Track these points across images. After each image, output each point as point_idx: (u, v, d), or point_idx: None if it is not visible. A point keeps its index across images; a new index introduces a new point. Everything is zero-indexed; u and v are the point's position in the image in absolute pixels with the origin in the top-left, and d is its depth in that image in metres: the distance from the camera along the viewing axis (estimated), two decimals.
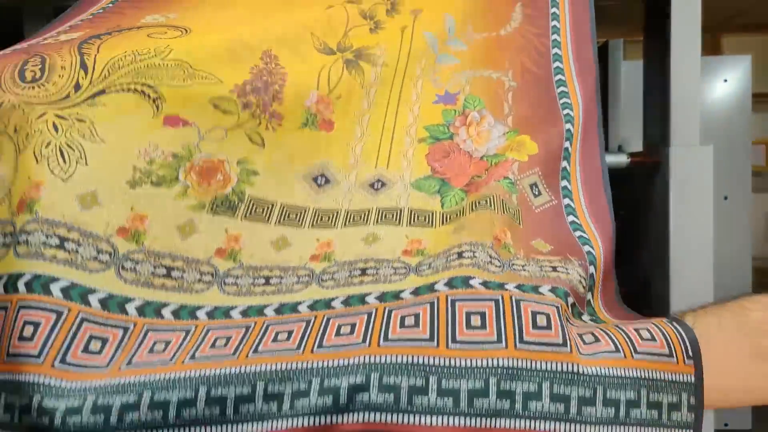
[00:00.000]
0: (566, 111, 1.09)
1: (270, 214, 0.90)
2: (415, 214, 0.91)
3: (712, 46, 3.87)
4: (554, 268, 0.85)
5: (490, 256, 0.79)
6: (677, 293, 1.63)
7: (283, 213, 0.91)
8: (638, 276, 1.87)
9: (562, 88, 1.14)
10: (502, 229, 0.88)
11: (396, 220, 0.90)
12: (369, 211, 0.91)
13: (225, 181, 0.88)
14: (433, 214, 0.92)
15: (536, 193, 1.01)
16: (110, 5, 1.17)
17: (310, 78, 0.98)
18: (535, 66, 1.12)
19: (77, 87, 0.80)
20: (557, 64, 1.14)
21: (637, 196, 1.89)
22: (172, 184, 0.83)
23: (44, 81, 0.80)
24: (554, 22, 1.20)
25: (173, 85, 0.85)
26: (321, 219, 0.90)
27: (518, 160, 0.99)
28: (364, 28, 1.09)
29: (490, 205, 0.89)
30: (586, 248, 0.99)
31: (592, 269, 0.97)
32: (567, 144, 1.07)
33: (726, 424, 2.33)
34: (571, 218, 1.03)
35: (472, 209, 0.89)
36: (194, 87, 0.87)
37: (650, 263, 1.78)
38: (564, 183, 1.06)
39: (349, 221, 0.90)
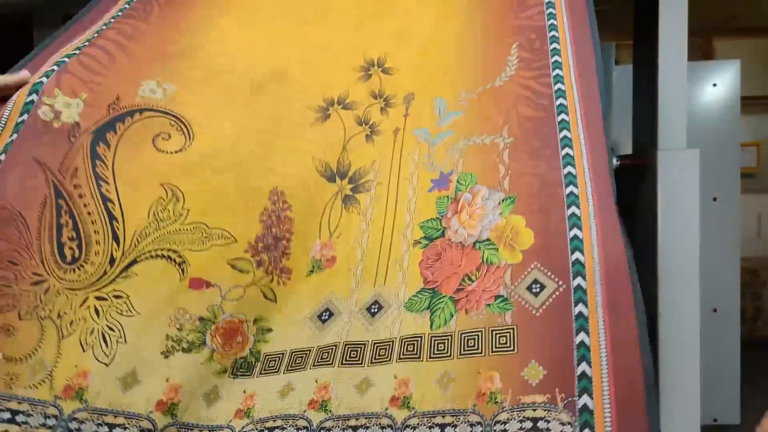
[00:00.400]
0: (568, 168, 0.98)
1: (280, 365, 0.95)
2: (405, 344, 0.89)
3: (704, 49, 3.93)
4: (534, 423, 0.75)
5: (471, 425, 0.78)
6: (665, 291, 1.69)
7: (292, 359, 0.94)
8: None
9: (563, 132, 1.02)
10: (488, 376, 0.81)
11: (388, 356, 0.89)
12: (365, 346, 0.91)
13: (243, 343, 0.97)
14: (421, 339, 0.88)
15: (537, 290, 0.85)
16: (105, 40, 1.20)
17: (313, 228, 1.05)
18: (535, 110, 1.04)
19: (112, 261, 0.92)
20: (561, 100, 1.05)
21: (627, 197, 1.95)
22: (200, 348, 0.92)
23: (83, 261, 0.92)
24: (555, 57, 1.14)
25: (195, 249, 0.95)
26: (321, 357, 0.92)
27: (512, 264, 0.87)
28: (360, 137, 1.14)
29: (478, 348, 0.83)
30: (582, 368, 0.77)
31: (586, 399, 0.75)
32: (573, 209, 0.90)
33: (715, 419, 2.39)
34: (579, 308, 0.81)
35: (463, 351, 0.84)
36: (213, 249, 0.96)
37: (639, 262, 1.84)
38: (576, 256, 0.85)
39: (346, 359, 0.91)
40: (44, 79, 1.05)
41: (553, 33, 1.18)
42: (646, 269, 1.78)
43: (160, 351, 0.90)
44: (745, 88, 4.06)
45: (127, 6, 1.27)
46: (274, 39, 1.28)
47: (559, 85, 1.07)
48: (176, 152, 1.06)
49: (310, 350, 0.94)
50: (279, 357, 0.95)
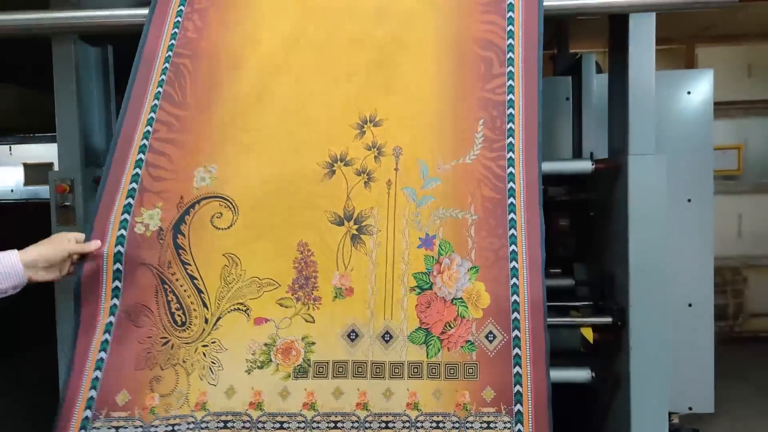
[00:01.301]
0: (512, 247, 1.43)
1: (327, 371, 1.41)
2: (411, 367, 1.40)
3: (687, 56, 4.08)
4: (488, 424, 1.33)
5: (453, 423, 1.34)
6: (636, 285, 1.83)
7: (335, 368, 1.41)
8: (604, 269, 2.07)
9: (511, 215, 1.46)
10: (462, 393, 1.36)
11: (401, 374, 1.39)
12: (384, 365, 1.40)
13: (297, 355, 1.42)
14: (422, 364, 1.40)
15: (491, 338, 1.39)
16: (151, 141, 1.55)
17: (332, 262, 1.47)
18: (492, 190, 1.47)
19: (206, 321, 1.43)
20: (511, 184, 1.46)
21: (604, 198, 2.09)
22: (268, 365, 1.41)
23: (189, 324, 1.43)
24: (510, 139, 1.50)
25: (253, 298, 1.45)
26: (357, 370, 1.40)
27: (475, 319, 1.40)
28: (360, 185, 1.52)
29: (456, 375, 1.38)
30: (516, 388, 1.35)
31: (518, 407, 1.33)
32: (514, 280, 1.41)
33: (690, 408, 2.52)
34: (516, 351, 1.37)
35: (447, 376, 1.38)
36: (264, 295, 1.45)
37: (614, 258, 1.98)
38: (515, 315, 1.39)
39: (374, 374, 1.40)
40: (131, 200, 1.48)
41: (510, 110, 1.51)
42: (619, 263, 1.92)
43: (244, 370, 1.40)
44: (726, 93, 4.21)
45: (160, 90, 1.57)
46: (281, 100, 1.57)
47: (511, 169, 1.47)
48: (228, 228, 1.50)
49: (347, 362, 1.41)
50: (325, 365, 1.41)
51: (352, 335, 1.42)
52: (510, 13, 1.57)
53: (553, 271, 2.45)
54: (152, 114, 1.55)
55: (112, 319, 1.41)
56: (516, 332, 1.37)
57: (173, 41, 1.63)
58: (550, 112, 2.64)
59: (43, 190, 4.97)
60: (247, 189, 1.52)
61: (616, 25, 1.89)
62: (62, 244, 1.34)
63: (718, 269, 4.09)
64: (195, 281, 1.45)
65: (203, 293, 1.45)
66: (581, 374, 1.99)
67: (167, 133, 1.55)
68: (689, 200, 2.51)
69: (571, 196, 2.30)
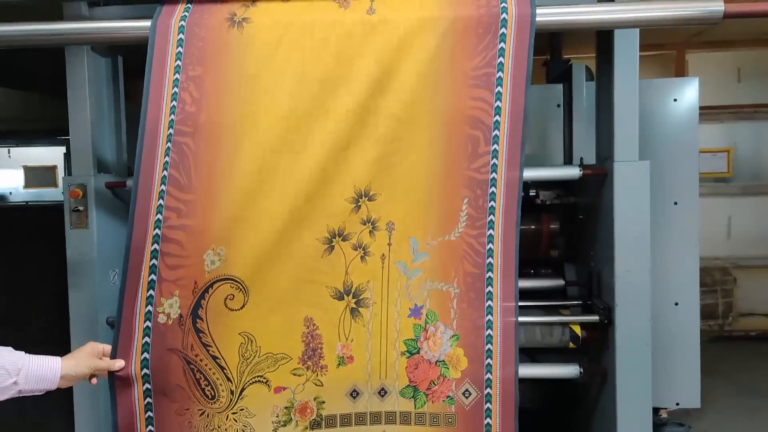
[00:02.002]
0: (488, 317, 1.63)
1: (336, 422, 1.67)
2: (402, 415, 1.66)
3: (677, 62, 4.17)
4: None
5: None
6: (621, 285, 1.93)
7: (342, 419, 1.67)
8: (592, 270, 2.16)
9: (489, 288, 1.63)
10: None
11: (394, 420, 1.66)
12: (381, 414, 1.67)
13: (311, 412, 1.67)
14: (410, 414, 1.66)
15: (467, 395, 1.63)
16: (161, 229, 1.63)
17: (334, 335, 1.67)
18: (473, 266, 1.63)
19: (231, 392, 1.63)
20: (489, 260, 1.63)
21: (592, 202, 2.18)
22: (290, 422, 1.66)
23: (218, 396, 1.62)
24: (491, 217, 1.62)
25: (270, 371, 1.65)
26: (359, 419, 1.67)
27: (454, 379, 1.63)
28: (357, 259, 1.66)
29: (438, 423, 1.64)
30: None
31: None
32: (489, 346, 1.63)
33: (678, 403, 2.61)
34: (487, 405, 1.62)
35: (431, 423, 1.64)
36: (280, 367, 1.65)
37: (601, 259, 2.08)
38: (488, 375, 1.62)
39: (372, 420, 1.66)
40: (152, 291, 1.61)
41: (492, 189, 1.62)
42: (606, 264, 2.02)
43: (272, 430, 1.64)
44: (716, 98, 4.32)
45: (165, 173, 1.63)
46: (281, 177, 1.64)
47: (490, 245, 1.63)
48: (241, 308, 1.65)
49: (351, 414, 1.67)
50: (334, 417, 1.67)
51: (354, 393, 1.68)
52: (498, 88, 1.62)
53: (544, 271, 2.55)
54: (161, 201, 1.62)
55: (149, 400, 1.61)
56: (488, 390, 1.62)
57: (173, 116, 1.66)
58: (542, 119, 2.74)
59: (45, 193, 5.02)
60: (255, 268, 1.65)
61: (602, 39, 1.99)
62: (90, 359, 1.43)
63: (708, 270, 4.19)
64: (217, 360, 1.64)
65: (225, 369, 1.64)
66: (570, 370, 2.08)
67: (177, 219, 1.63)
68: (676, 203, 2.60)
69: (561, 199, 2.39)
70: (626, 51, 1.90)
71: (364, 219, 1.66)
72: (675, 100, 2.60)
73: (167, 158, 1.63)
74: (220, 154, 1.65)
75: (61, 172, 4.94)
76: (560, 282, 2.39)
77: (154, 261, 1.61)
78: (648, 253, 1.93)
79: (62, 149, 4.92)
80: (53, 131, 5.10)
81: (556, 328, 2.09)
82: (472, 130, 1.63)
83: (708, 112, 4.17)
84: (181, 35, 1.68)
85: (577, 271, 2.39)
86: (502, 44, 1.61)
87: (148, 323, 1.60)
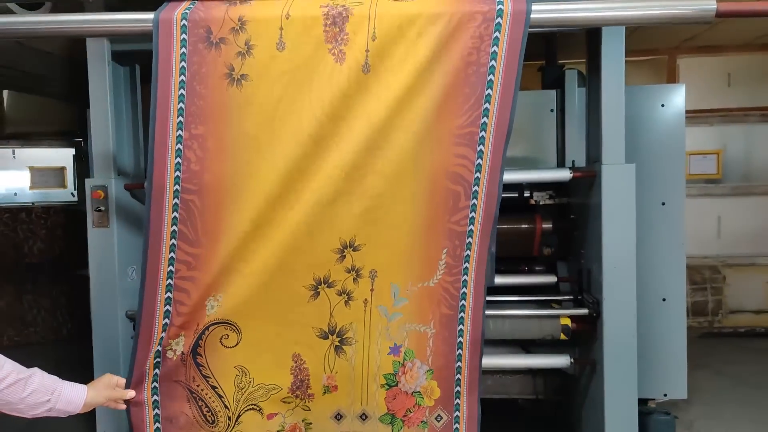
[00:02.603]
0: (459, 351, 1.83)
1: None
2: None
3: (669, 66, 4.30)
4: None
5: None
6: (609, 280, 2.06)
7: None
8: (582, 266, 2.29)
9: (460, 326, 1.82)
10: None
11: None
12: None
13: None
14: None
15: (439, 419, 1.88)
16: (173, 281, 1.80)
17: (320, 368, 1.86)
18: (448, 308, 1.81)
19: (229, 418, 1.85)
20: (462, 302, 1.80)
21: (582, 203, 2.31)
22: None
23: (217, 421, 1.83)
24: (466, 264, 1.77)
25: (263, 399, 1.86)
26: None
27: (428, 406, 1.86)
28: (341, 304, 1.83)
29: None
30: None
31: None
32: (458, 376, 1.85)
33: (665, 395, 2.73)
34: (455, 426, 1.88)
35: None
36: (271, 396, 1.86)
37: (590, 256, 2.21)
38: (457, 401, 1.87)
39: None
40: (164, 334, 1.79)
41: (469, 239, 1.76)
42: (595, 261, 2.14)
43: None
44: (707, 101, 4.45)
45: (175, 228, 1.76)
46: (275, 231, 1.76)
47: (464, 289, 1.79)
48: (235, 346, 1.83)
49: None
50: None
51: (338, 416, 1.90)
52: (480, 147, 1.71)
53: (538, 268, 2.68)
54: (172, 254, 1.77)
55: (158, 425, 1.83)
56: (457, 413, 1.88)
57: (178, 173, 1.75)
58: (537, 123, 2.86)
59: (52, 194, 5.10)
60: (246, 313, 1.83)
61: (592, 46, 2.11)
62: (108, 390, 1.60)
63: (699, 268, 4.32)
64: (216, 389, 1.84)
65: (223, 398, 1.85)
66: (561, 360, 2.22)
67: (186, 271, 1.78)
68: (663, 203, 2.72)
69: (554, 200, 2.52)
70: (613, 58, 2.02)
71: (348, 267, 1.80)
72: (663, 105, 2.72)
73: (176, 214, 1.76)
74: (222, 211, 1.76)
75: (70, 174, 5.06)
76: (553, 278, 2.51)
77: (168, 307, 1.79)
78: (633, 251, 2.06)
79: (71, 151, 5.04)
80: (60, 133, 5.22)
81: (548, 321, 2.22)
82: (454, 185, 1.74)
83: (699, 116, 4.31)
84: (182, 77, 1.72)
85: (569, 268, 2.51)
86: (486, 104, 1.69)
87: (158, 359, 1.80)
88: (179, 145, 1.74)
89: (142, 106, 2.32)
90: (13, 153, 5.10)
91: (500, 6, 1.67)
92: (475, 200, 1.75)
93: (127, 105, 2.24)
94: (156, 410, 1.82)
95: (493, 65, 1.69)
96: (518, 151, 2.88)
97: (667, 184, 2.75)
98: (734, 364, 3.64)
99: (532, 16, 1.68)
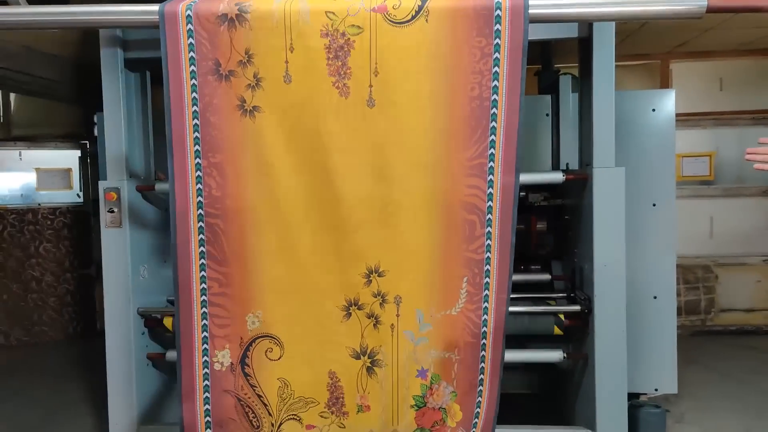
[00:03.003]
0: (481, 376, 1.97)
1: None
2: None
3: (662, 71, 4.39)
4: None
5: None
6: (599, 277, 2.15)
7: None
8: (575, 265, 2.39)
9: (482, 353, 1.92)
10: None
11: None
12: None
13: None
14: None
15: None
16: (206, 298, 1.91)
17: (353, 387, 2.00)
18: (471, 336, 1.93)
19: (272, 425, 2.00)
20: (484, 329, 1.91)
21: (575, 204, 2.40)
22: None
23: (261, 427, 1.99)
24: (486, 292, 1.87)
25: (302, 411, 2.00)
26: None
27: (451, 427, 2.01)
28: (370, 326, 1.96)
29: None
30: None
31: None
32: (479, 399, 2.00)
33: (656, 389, 2.83)
34: None
35: None
36: (310, 409, 2.00)
37: (583, 255, 2.30)
38: (475, 420, 2.01)
39: None
40: (206, 346, 1.94)
41: (487, 267, 1.86)
42: (587, 260, 2.24)
43: None
44: (699, 105, 4.54)
45: (203, 249, 1.87)
46: (302, 253, 1.88)
47: (485, 317, 1.88)
48: (279, 359, 1.98)
49: None
50: None
51: None
52: (490, 176, 1.80)
53: (534, 267, 2.78)
54: (203, 272, 1.89)
55: (209, 431, 2.01)
56: (474, 429, 2.03)
57: (200, 198, 1.85)
58: (533, 127, 2.96)
59: (57, 195, 5.18)
60: (287, 328, 1.97)
61: (584, 52, 2.20)
62: None
63: (691, 267, 4.42)
64: (261, 398, 2.00)
65: (268, 406, 2.00)
66: (555, 355, 2.31)
67: (219, 288, 1.91)
68: (654, 204, 2.81)
69: (549, 201, 2.61)
70: (603, 65, 2.11)
71: (375, 292, 1.91)
72: (654, 110, 2.81)
73: (202, 236, 1.87)
74: (246, 233, 1.88)
75: (76, 175, 5.15)
76: (548, 276, 2.61)
77: (205, 322, 1.93)
78: (623, 250, 2.16)
79: (77, 153, 5.13)
80: (65, 136, 5.30)
81: (542, 317, 2.32)
82: (469, 215, 1.83)
83: (691, 119, 4.41)
84: (195, 107, 1.80)
85: (564, 266, 2.61)
86: (492, 137, 1.78)
87: (206, 370, 1.96)
88: (199, 173, 1.83)
89: (152, 110, 2.40)
90: (20, 155, 5.19)
91: (497, 40, 1.74)
92: (489, 228, 1.84)
93: (138, 110, 2.32)
94: (207, 417, 1.99)
95: (495, 99, 1.77)
96: None
97: (658, 186, 2.84)
98: (724, 360, 3.74)
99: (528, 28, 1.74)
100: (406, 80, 1.76)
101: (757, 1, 1.78)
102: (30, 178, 5.23)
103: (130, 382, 2.24)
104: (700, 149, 4.45)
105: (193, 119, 1.80)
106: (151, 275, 2.35)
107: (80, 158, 5.18)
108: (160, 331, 2.36)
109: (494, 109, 1.77)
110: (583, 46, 2.21)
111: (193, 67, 1.77)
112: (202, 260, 1.88)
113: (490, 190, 1.81)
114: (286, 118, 1.80)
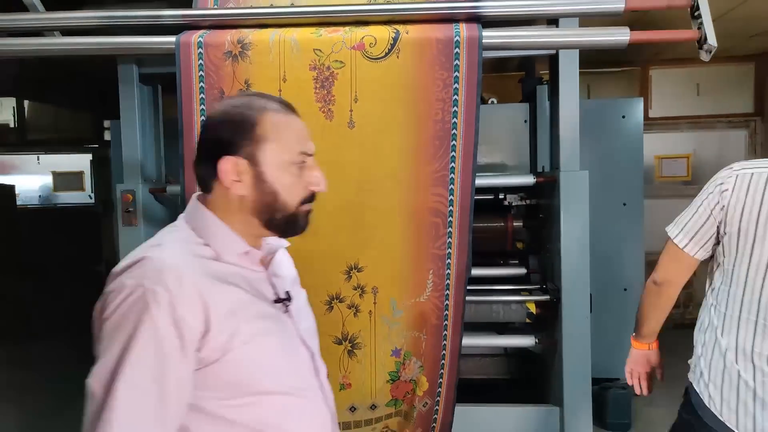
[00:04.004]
0: (443, 352, 2.25)
1: (339, 428, 2.04)
2: (386, 415, 2.27)
3: (642, 77, 4.62)
4: None
5: None
6: (566, 270, 2.39)
7: (343, 426, 2.23)
8: (547, 259, 2.62)
9: (444, 333, 2.19)
10: (410, 428, 2.33)
11: (380, 419, 2.26)
12: (373, 420, 2.26)
13: None
14: (392, 413, 2.28)
15: (425, 405, 2.31)
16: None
17: (336, 369, 2.19)
18: (436, 319, 2.19)
19: None
20: (446, 312, 2.19)
21: (547, 204, 2.63)
22: None
23: None
24: (447, 281, 2.13)
25: None
26: (356, 424, 2.26)
27: (418, 395, 2.28)
28: (351, 315, 2.17)
29: (406, 418, 2.30)
30: (432, 425, 2.33)
31: None
32: (441, 371, 2.28)
33: None
34: (435, 408, 2.31)
35: (404, 417, 2.29)
36: None
37: (554, 250, 2.53)
38: (439, 389, 2.30)
39: (366, 424, 2.26)
40: None
41: (448, 261, 2.13)
42: (556, 255, 2.47)
43: None
44: (677, 109, 4.77)
45: None
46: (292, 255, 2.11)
47: (447, 302, 2.15)
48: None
49: (350, 422, 2.26)
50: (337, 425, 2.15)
51: (353, 408, 2.26)
52: (451, 186, 2.07)
53: (512, 261, 3.01)
54: None
55: None
56: (438, 398, 2.30)
57: None
58: (513, 133, 3.19)
59: (71, 196, 5.44)
60: None
61: (553, 65, 2.43)
62: None
63: None
64: None
65: None
66: (527, 341, 2.55)
67: None
68: (624, 204, 3.06)
69: (525, 201, 2.85)
70: (568, 78, 2.34)
71: (355, 285, 2.15)
72: (623, 116, 3.06)
73: None
74: None
75: (88, 178, 5.41)
76: (523, 270, 2.84)
77: None
78: (587, 245, 2.39)
79: (89, 156, 5.39)
80: (76, 140, 5.56)
81: (517, 306, 2.56)
82: (434, 218, 2.10)
83: (670, 122, 4.64)
84: (203, 116, 2.03)
85: (539, 261, 2.85)
86: (453, 153, 2.04)
87: None
88: None
89: (163, 121, 2.65)
90: (38, 159, 5.48)
91: (456, 73, 2.01)
92: (450, 228, 2.12)
93: (150, 120, 2.55)
94: None
95: (455, 122, 2.04)
96: (497, 157, 3.22)
97: (628, 187, 3.09)
98: None
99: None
100: (381, 106, 2.02)
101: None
102: (47, 181, 5.53)
103: None
104: (678, 151, 4.68)
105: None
106: None
107: (91, 162, 5.43)
108: None
109: (454, 131, 2.04)
110: (552, 61, 2.44)
111: (202, 95, 2.04)
112: None
113: (451, 197, 2.09)
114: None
